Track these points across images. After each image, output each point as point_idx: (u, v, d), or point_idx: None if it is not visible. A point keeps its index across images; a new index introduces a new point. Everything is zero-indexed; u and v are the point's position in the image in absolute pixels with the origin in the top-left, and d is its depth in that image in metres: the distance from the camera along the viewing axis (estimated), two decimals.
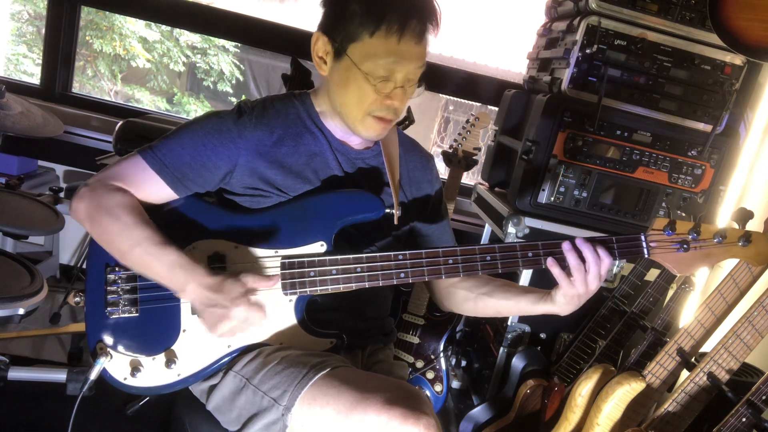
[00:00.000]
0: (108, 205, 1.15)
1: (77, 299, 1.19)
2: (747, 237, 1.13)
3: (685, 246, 1.15)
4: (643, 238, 1.17)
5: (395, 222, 1.28)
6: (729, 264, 1.32)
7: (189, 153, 1.20)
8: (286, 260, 1.18)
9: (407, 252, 1.17)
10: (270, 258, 1.19)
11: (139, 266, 1.15)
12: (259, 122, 1.24)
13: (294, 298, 1.19)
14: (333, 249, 1.20)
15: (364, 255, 1.17)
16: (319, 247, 1.20)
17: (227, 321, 1.10)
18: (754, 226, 1.18)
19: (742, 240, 1.13)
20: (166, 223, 1.18)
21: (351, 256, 1.17)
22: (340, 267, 1.17)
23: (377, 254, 1.17)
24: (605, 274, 1.14)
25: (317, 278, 1.18)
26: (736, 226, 1.17)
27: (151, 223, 1.16)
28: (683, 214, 1.19)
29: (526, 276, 1.93)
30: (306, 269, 1.18)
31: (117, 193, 1.17)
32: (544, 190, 1.90)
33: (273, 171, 1.23)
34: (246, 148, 1.22)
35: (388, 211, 1.24)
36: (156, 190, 1.20)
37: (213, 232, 1.20)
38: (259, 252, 1.19)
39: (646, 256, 1.17)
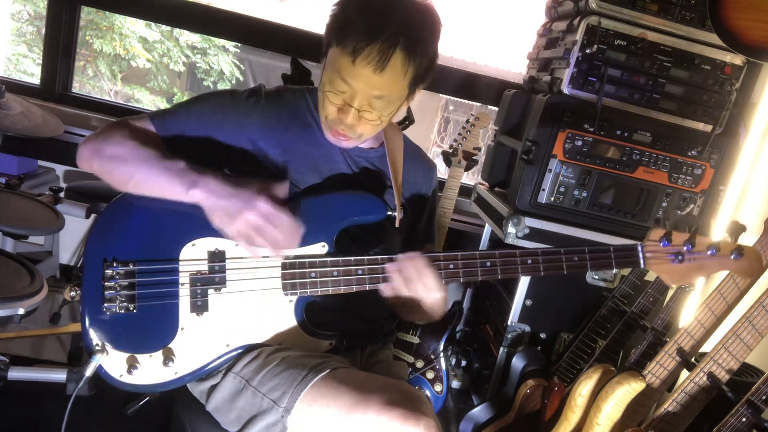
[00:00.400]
0: (113, 136, 1.17)
1: (72, 293, 1.18)
2: (739, 251, 1.16)
3: (680, 257, 1.17)
4: (639, 248, 1.19)
5: (397, 224, 1.28)
6: None
7: (194, 123, 1.23)
8: (287, 260, 1.18)
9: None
10: (271, 258, 1.19)
11: (146, 183, 1.14)
12: (268, 105, 1.27)
13: (294, 298, 1.19)
14: (334, 250, 1.20)
15: (365, 257, 1.17)
16: (320, 248, 1.20)
17: (250, 211, 1.06)
18: (749, 232, 1.22)
19: (734, 253, 1.16)
20: (168, 219, 1.18)
21: (352, 257, 1.17)
22: (341, 268, 1.17)
23: (378, 257, 1.17)
24: (431, 284, 1.14)
25: (318, 279, 1.18)
26: (730, 240, 1.20)
27: (159, 146, 1.17)
28: (679, 226, 1.21)
29: (524, 280, 1.93)
30: (307, 270, 1.18)
31: (122, 128, 1.19)
32: (544, 190, 1.90)
33: (276, 154, 1.25)
34: (250, 129, 1.25)
35: (389, 213, 1.25)
36: None
37: (214, 230, 1.20)
38: (259, 252, 1.19)
39: (642, 266, 1.20)
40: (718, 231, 1.91)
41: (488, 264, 1.18)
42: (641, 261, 1.18)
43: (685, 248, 1.17)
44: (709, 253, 1.16)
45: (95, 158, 1.17)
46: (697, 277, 1.19)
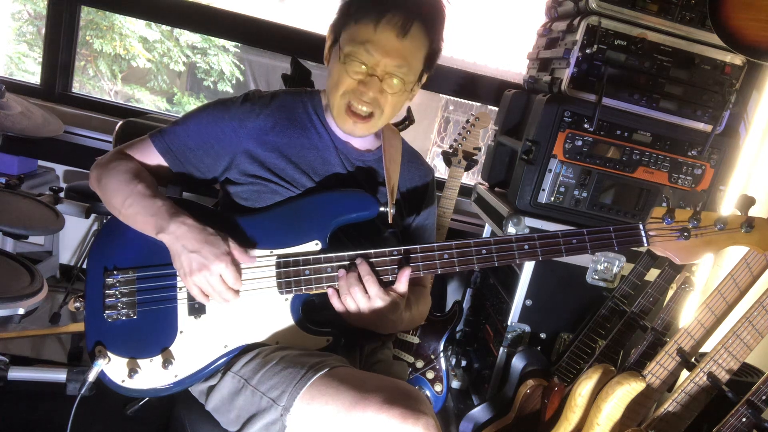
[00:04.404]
0: (111, 168, 1.23)
1: (77, 304, 1.20)
2: (750, 223, 1.12)
3: (685, 234, 1.14)
4: (641, 227, 1.17)
5: (390, 221, 1.28)
6: (729, 264, 1.31)
7: (194, 139, 1.26)
8: (281, 259, 1.18)
9: (402, 248, 1.17)
10: (265, 258, 1.19)
11: (130, 219, 1.19)
12: (263, 110, 1.28)
13: (290, 297, 1.19)
14: (328, 248, 1.21)
15: (358, 252, 1.18)
16: (314, 245, 1.20)
17: (205, 272, 1.10)
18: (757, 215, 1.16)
19: (744, 226, 1.12)
20: None
21: (345, 253, 1.18)
22: (335, 264, 1.18)
23: (371, 251, 1.17)
24: (373, 292, 1.13)
25: (312, 276, 1.18)
26: (738, 213, 1.15)
27: (146, 180, 1.22)
28: (684, 206, 1.17)
29: (528, 269, 1.93)
30: (301, 267, 1.18)
31: (122, 159, 1.26)
32: (544, 190, 1.90)
33: (273, 158, 1.26)
34: (247, 136, 1.26)
35: (382, 209, 1.24)
36: (162, 170, 1.28)
37: None
38: (255, 252, 1.19)
39: (646, 245, 1.17)
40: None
41: (484, 252, 1.16)
42: (644, 240, 1.16)
43: (690, 224, 1.13)
44: (717, 227, 1.13)
45: (97, 186, 1.25)
46: (707, 253, 1.16)
